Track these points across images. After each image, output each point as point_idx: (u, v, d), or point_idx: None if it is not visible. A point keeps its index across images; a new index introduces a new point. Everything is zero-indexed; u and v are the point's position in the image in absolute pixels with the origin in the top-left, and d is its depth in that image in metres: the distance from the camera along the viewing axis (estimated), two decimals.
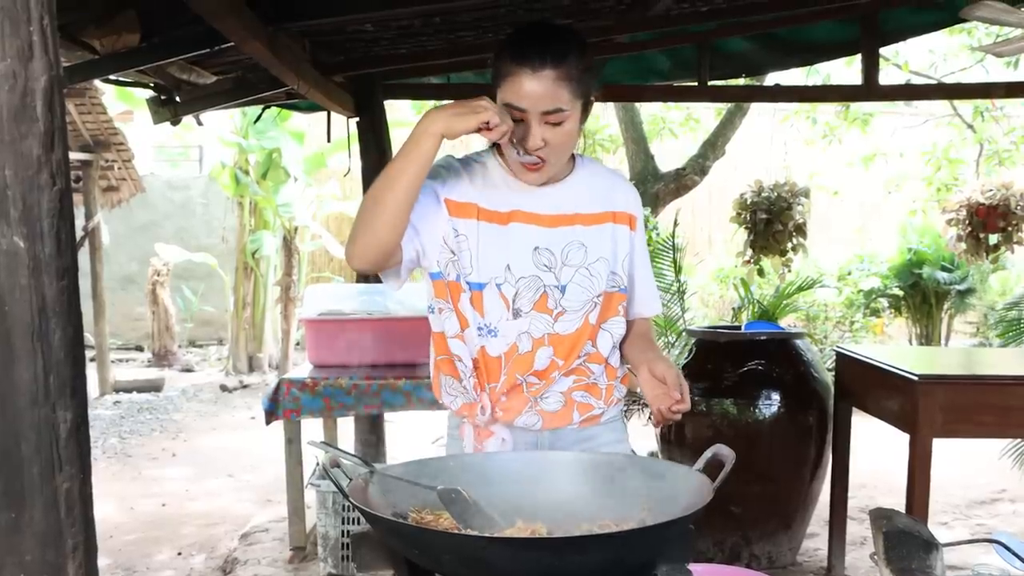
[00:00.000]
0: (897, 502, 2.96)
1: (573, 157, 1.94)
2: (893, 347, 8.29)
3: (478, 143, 1.89)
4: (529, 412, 1.86)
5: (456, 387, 1.92)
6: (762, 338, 4.08)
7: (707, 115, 9.73)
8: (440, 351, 1.93)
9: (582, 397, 1.91)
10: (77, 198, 8.77)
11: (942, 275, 8.78)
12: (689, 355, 4.14)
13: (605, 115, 9.70)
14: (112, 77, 3.95)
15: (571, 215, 1.89)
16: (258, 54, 3.26)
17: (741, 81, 6.73)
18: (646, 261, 2.03)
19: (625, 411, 2.13)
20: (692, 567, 1.39)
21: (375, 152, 4.81)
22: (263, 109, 5.82)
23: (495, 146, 1.89)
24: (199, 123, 4.90)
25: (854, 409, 3.80)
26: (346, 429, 4.95)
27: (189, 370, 10.45)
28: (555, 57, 1.71)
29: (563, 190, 1.90)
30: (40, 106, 1.10)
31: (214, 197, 11.75)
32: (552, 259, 1.86)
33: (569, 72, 1.72)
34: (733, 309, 7.07)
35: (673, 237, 6.26)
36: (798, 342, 4.09)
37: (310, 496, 3.96)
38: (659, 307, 2.09)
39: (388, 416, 5.22)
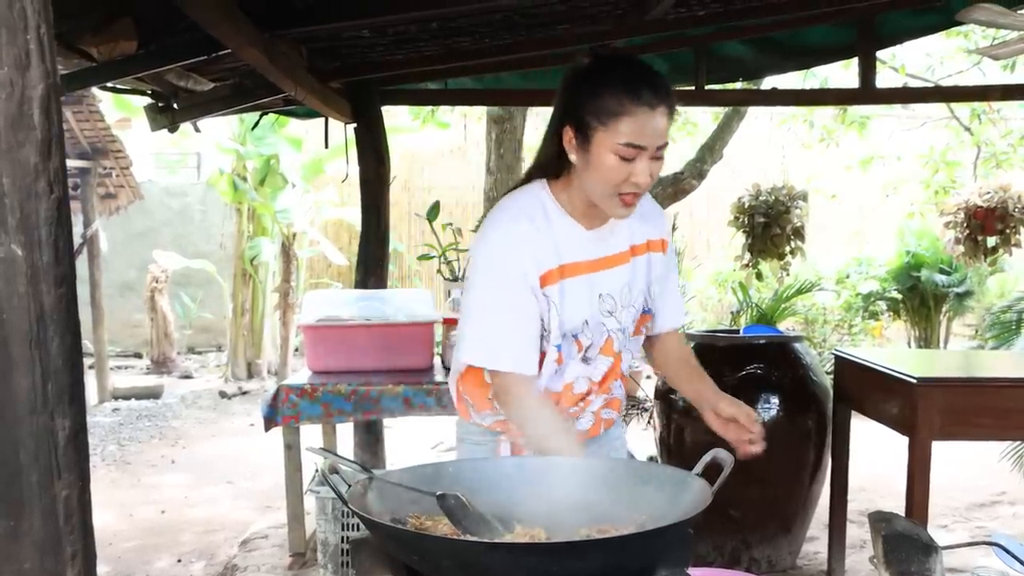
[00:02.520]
0: (897, 505, 2.96)
1: None
2: (892, 350, 8.29)
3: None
4: None
5: (493, 407, 1.92)
6: (761, 342, 4.08)
7: (704, 119, 9.73)
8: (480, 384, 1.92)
9: (607, 413, 2.01)
10: (75, 205, 8.78)
11: (940, 278, 8.78)
12: None
13: None
14: (109, 84, 3.95)
15: (619, 254, 1.90)
16: (255, 61, 3.26)
17: (738, 85, 6.74)
18: (674, 275, 2.08)
19: (624, 416, 2.14)
20: (691, 571, 1.39)
21: (373, 158, 4.81)
22: (260, 115, 5.82)
23: (549, 184, 1.86)
24: (197, 130, 4.90)
25: (853, 412, 3.79)
26: (345, 435, 4.94)
27: (188, 377, 10.44)
28: (667, 94, 1.73)
29: (610, 228, 1.89)
30: (37, 114, 1.10)
31: (212, 204, 11.75)
32: (613, 303, 1.89)
33: (672, 105, 1.74)
34: (731, 313, 7.08)
35: (671, 241, 6.26)
36: (797, 345, 4.09)
37: (309, 502, 3.95)
38: (684, 316, 2.15)
39: (387, 422, 5.22)
